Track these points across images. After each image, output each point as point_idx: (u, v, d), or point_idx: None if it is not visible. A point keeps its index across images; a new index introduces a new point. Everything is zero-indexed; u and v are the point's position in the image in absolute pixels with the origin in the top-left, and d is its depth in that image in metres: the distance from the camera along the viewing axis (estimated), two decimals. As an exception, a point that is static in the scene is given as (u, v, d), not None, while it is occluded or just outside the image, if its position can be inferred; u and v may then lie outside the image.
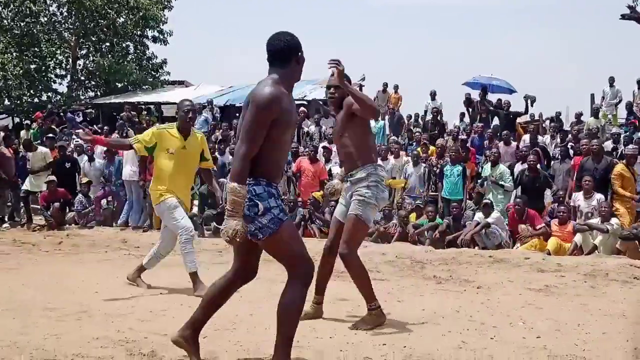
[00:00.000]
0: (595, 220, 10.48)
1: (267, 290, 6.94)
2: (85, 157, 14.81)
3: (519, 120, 17.04)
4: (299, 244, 4.01)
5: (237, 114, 20.43)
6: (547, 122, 17.62)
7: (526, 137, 14.93)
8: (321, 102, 20.04)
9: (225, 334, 5.05)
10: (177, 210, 6.78)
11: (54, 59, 29.66)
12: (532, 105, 17.23)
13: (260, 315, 5.69)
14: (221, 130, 17.54)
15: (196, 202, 13.34)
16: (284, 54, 3.99)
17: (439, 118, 17.73)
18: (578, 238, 10.40)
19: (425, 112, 19.63)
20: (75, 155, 15.20)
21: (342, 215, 5.53)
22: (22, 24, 28.10)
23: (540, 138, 15.03)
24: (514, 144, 14.38)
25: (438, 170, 13.21)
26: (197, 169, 7.20)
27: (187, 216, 6.95)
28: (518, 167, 12.68)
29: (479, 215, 11.37)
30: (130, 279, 7.19)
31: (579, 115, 17.66)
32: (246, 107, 3.97)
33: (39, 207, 13.54)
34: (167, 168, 6.80)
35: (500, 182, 12.18)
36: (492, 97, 18.59)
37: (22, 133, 19.48)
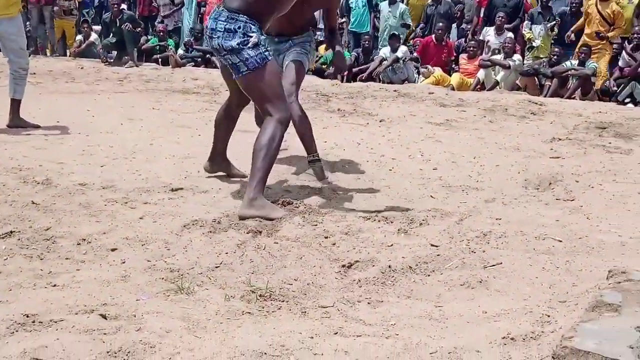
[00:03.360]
0: (499, 56, 10.63)
1: (169, 121, 6.84)
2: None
3: None
4: (281, 87, 3.92)
5: None
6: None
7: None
8: None
9: (124, 163, 4.96)
10: None
11: None
12: None
13: (160, 144, 5.62)
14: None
15: (98, 27, 13.27)
16: None
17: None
18: (481, 74, 10.57)
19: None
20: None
21: None
22: None
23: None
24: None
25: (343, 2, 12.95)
26: None
27: None
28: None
29: (385, 50, 11.32)
30: (13, 124, 6.18)
31: None
32: None
33: None
34: None
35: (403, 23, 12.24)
36: None
37: None
